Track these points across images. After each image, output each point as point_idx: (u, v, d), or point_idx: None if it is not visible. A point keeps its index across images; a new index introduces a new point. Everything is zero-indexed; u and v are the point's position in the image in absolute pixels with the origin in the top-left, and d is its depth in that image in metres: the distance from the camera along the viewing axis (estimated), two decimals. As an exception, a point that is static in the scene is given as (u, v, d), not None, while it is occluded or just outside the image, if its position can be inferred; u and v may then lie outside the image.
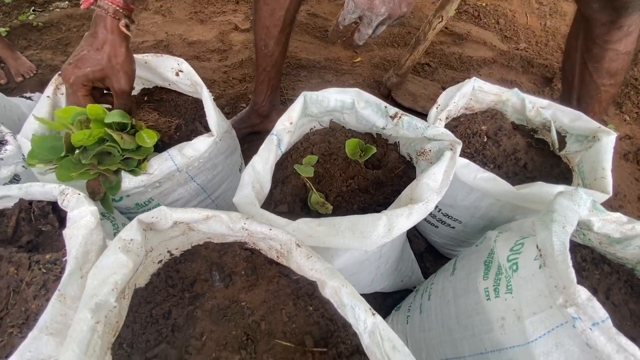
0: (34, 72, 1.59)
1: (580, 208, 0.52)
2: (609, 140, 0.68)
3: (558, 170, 0.81)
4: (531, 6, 2.17)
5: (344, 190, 0.68)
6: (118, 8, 0.59)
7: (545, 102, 0.84)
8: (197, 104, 0.82)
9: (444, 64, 1.76)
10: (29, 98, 1.32)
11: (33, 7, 1.97)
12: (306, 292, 0.51)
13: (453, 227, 0.84)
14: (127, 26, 0.62)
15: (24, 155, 0.77)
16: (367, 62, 1.73)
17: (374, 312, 0.37)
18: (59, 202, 0.52)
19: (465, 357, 0.57)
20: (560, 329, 0.40)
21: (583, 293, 0.36)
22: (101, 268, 0.38)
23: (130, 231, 0.41)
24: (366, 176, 0.69)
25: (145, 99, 0.80)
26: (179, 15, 2.00)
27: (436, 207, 0.83)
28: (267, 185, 0.66)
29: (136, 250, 0.41)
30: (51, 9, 2.00)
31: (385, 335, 0.35)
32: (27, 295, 0.48)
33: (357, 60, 1.74)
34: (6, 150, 0.74)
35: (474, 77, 0.82)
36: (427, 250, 1.02)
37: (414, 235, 1.01)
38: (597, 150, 0.68)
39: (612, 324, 0.35)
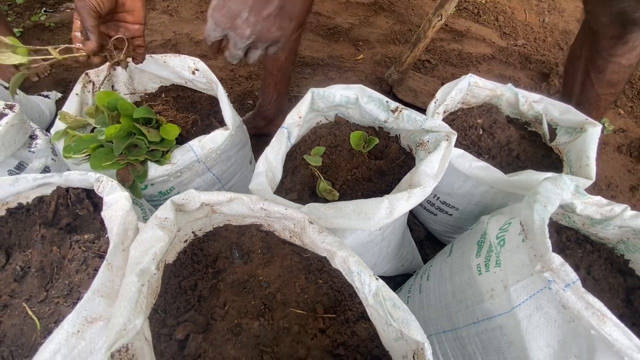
0: (48, 71, 1.66)
1: (563, 192, 0.58)
2: (594, 131, 0.74)
3: (549, 160, 0.87)
4: (530, 3, 2.21)
5: (349, 179, 0.74)
6: None
7: (537, 96, 0.89)
8: (212, 100, 0.88)
9: (444, 60, 1.81)
10: (46, 96, 1.39)
11: (44, 8, 2.03)
12: (316, 267, 0.58)
13: (450, 215, 0.90)
14: None
15: (52, 148, 0.84)
16: (369, 59, 1.78)
17: (377, 277, 0.43)
18: (95, 189, 0.58)
19: (460, 328, 0.63)
20: (540, 294, 0.46)
21: (557, 259, 0.41)
22: (142, 241, 0.44)
23: (165, 210, 0.47)
24: (369, 166, 0.75)
25: (163, 96, 0.86)
26: (186, 15, 2.05)
27: (435, 195, 0.89)
28: (278, 175, 0.72)
29: (170, 227, 0.47)
30: (62, 9, 2.05)
31: (387, 295, 0.41)
32: (69, 270, 0.54)
33: (359, 57, 1.80)
34: (37, 144, 0.81)
35: (470, 74, 0.87)
36: (427, 238, 1.07)
37: (415, 224, 1.07)
38: (583, 140, 0.73)
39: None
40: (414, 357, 0.40)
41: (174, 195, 0.52)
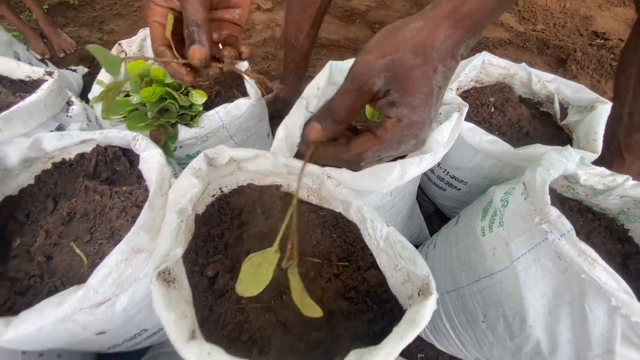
0: (75, 48, 1.72)
1: (568, 162, 0.61)
2: (604, 108, 0.76)
3: (559, 139, 0.89)
4: (551, -13, 2.16)
5: (363, 149, 0.78)
6: None
7: (550, 76, 0.91)
8: (233, 73, 0.92)
9: (459, 44, 1.80)
10: (74, 70, 1.46)
11: (69, -14, 2.09)
12: (331, 223, 0.63)
13: (459, 189, 0.93)
14: None
15: (87, 114, 0.90)
16: (385, 41, 1.79)
17: (388, 224, 0.48)
18: (132, 146, 0.64)
19: (463, 287, 0.68)
20: (538, 247, 0.50)
21: (554, 212, 0.45)
22: (179, 187, 0.49)
23: (199, 162, 0.52)
24: (383, 137, 0.79)
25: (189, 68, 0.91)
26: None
27: (445, 170, 0.93)
28: (296, 142, 0.76)
29: (203, 176, 0.52)
30: (86, -12, 2.11)
31: (396, 239, 0.46)
32: (110, 216, 0.60)
33: (375, 40, 1.81)
34: (73, 109, 0.87)
35: (484, 52, 0.89)
36: (435, 214, 1.11)
37: (424, 200, 1.11)
38: (592, 117, 0.76)
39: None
40: (419, 294, 0.45)
41: None
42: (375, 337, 0.50)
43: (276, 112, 1.34)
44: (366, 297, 0.55)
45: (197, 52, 0.41)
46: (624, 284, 0.42)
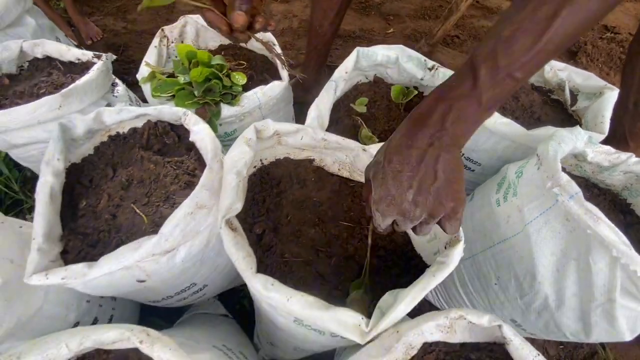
0: (101, 36, 1.79)
1: (577, 140, 0.67)
2: (611, 94, 0.82)
3: (569, 124, 0.95)
4: (564, -19, 2.18)
5: (386, 129, 0.85)
6: None
7: (562, 64, 0.96)
8: (264, 59, 0.99)
9: (472, 36, 1.85)
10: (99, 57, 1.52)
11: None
12: (360, 192, 0.70)
13: (473, 170, 1.00)
14: None
15: (129, 95, 0.97)
16: (399, 32, 1.85)
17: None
18: (182, 121, 0.71)
19: (477, 254, 0.75)
20: (549, 211, 0.56)
21: (564, 176, 0.52)
22: (235, 153, 0.57)
23: (249, 132, 0.59)
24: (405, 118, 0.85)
25: (223, 53, 0.98)
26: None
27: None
28: (326, 122, 0.83)
29: (253, 145, 0.59)
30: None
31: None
32: (165, 182, 0.68)
33: (389, 31, 1.86)
34: (118, 90, 0.94)
35: (500, 41, 0.95)
36: (448, 196, 1.18)
37: (438, 182, 1.17)
38: (600, 102, 0.81)
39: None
40: (445, 247, 0.52)
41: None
42: (403, 288, 0.58)
43: (297, 99, 1.41)
44: (393, 255, 0.62)
45: (240, 18, 0.47)
46: (623, 237, 0.48)
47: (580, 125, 0.94)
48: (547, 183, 0.54)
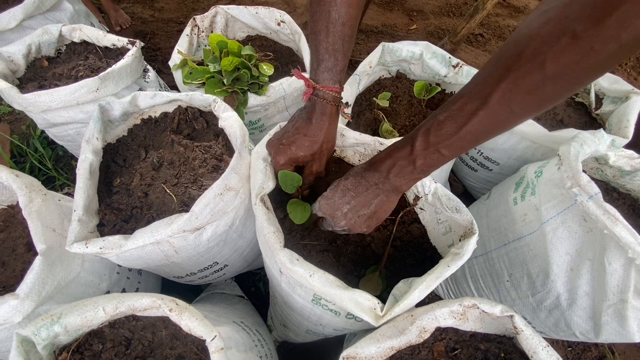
0: (130, 23, 1.85)
1: (600, 143, 0.67)
2: (638, 99, 0.81)
3: (591, 128, 0.94)
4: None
5: (407, 124, 0.86)
6: (336, 94, 0.57)
7: (589, 67, 0.95)
8: (289, 51, 1.01)
9: (497, 35, 1.82)
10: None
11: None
12: (380, 184, 0.72)
13: (491, 170, 1.00)
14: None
15: (159, 81, 1.01)
16: (422, 29, 1.84)
17: (435, 181, 0.57)
18: (212, 108, 0.74)
19: (491, 251, 0.76)
20: (567, 211, 0.57)
21: (585, 177, 0.53)
22: (260, 144, 0.60)
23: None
24: (426, 114, 0.86)
25: (250, 44, 1.00)
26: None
27: (479, 151, 1.00)
28: (349, 114, 0.85)
29: (280, 133, 0.62)
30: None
31: (442, 192, 0.55)
32: (194, 165, 0.71)
33: (412, 27, 1.85)
34: (149, 76, 0.98)
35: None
36: (463, 194, 1.19)
37: (454, 180, 1.18)
38: (626, 106, 0.81)
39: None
40: (460, 239, 0.54)
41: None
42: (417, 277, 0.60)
43: None
44: (409, 245, 0.64)
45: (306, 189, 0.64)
46: (639, 238, 0.49)
47: (604, 129, 0.94)
48: (567, 183, 0.55)
